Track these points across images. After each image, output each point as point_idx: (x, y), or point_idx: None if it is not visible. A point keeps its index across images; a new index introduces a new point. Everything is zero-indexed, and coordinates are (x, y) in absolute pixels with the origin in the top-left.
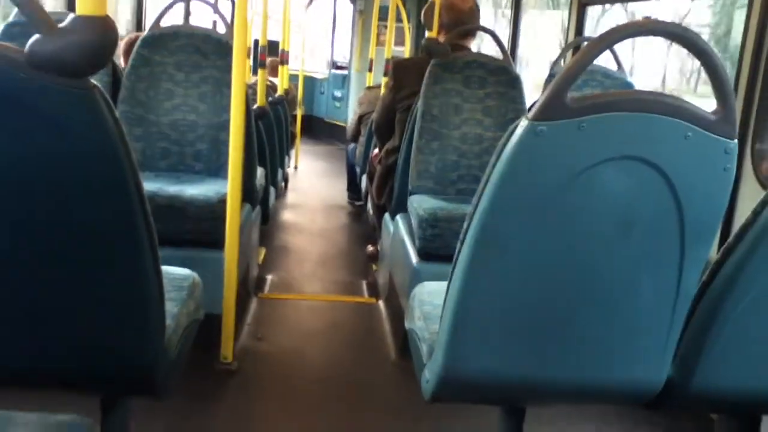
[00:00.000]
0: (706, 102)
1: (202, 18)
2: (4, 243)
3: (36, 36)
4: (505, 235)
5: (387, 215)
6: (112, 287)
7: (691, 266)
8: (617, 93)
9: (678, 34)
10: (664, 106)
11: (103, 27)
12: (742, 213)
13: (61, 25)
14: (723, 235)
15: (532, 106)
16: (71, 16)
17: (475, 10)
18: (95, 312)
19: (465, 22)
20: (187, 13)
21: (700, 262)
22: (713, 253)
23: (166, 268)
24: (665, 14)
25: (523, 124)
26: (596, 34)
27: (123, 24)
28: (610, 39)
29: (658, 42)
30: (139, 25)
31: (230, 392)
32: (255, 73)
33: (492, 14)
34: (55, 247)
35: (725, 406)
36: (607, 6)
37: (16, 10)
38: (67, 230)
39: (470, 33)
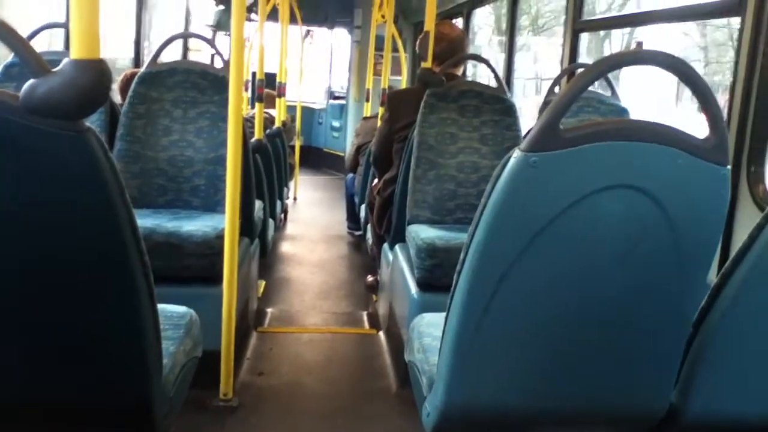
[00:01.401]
0: None
1: (201, 54)
2: None
3: (31, 80)
4: (501, 266)
5: (386, 245)
6: (108, 327)
7: (689, 291)
8: (609, 121)
9: (669, 64)
10: (656, 134)
11: (97, 70)
12: (740, 237)
13: (55, 69)
14: (722, 260)
15: (526, 134)
16: (65, 60)
17: (463, 38)
18: (91, 351)
19: (455, 50)
20: (186, 49)
21: (699, 287)
22: (712, 277)
23: (162, 306)
24: None
25: (516, 155)
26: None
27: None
28: (602, 68)
29: None
30: (137, 61)
31: (231, 429)
32: (253, 106)
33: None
34: (50, 287)
35: (728, 431)
36: None
37: None
38: (62, 270)
39: (461, 61)
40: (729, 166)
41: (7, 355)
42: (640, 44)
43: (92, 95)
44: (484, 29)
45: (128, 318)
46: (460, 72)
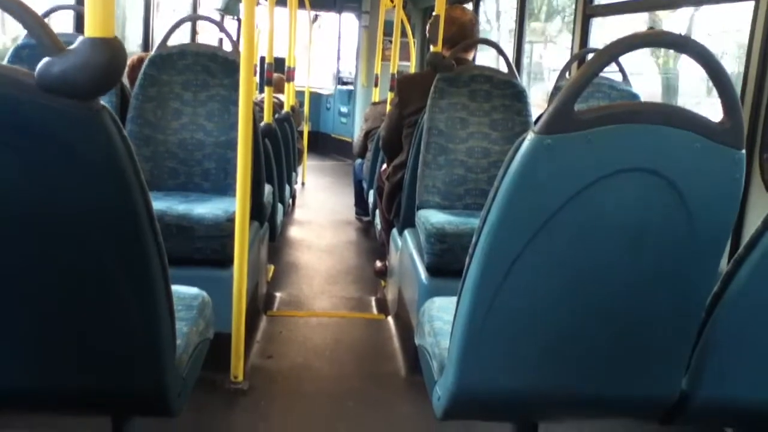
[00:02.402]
0: None
1: (209, 37)
2: (15, 263)
3: (45, 59)
4: (514, 250)
5: (395, 230)
6: (123, 307)
7: (701, 277)
8: (624, 104)
9: (684, 45)
10: (671, 117)
11: (112, 49)
12: (752, 223)
13: (70, 47)
14: (733, 246)
15: (538, 118)
16: (80, 38)
17: (474, 23)
18: (105, 332)
19: (467, 35)
20: (194, 32)
21: (711, 272)
22: (724, 264)
23: (175, 288)
24: None
25: (529, 137)
26: None
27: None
28: (615, 51)
29: None
30: (146, 45)
31: (241, 411)
32: (261, 90)
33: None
34: (64, 266)
35: (739, 419)
36: None
37: (25, 32)
38: (77, 250)
39: (472, 46)
40: (743, 150)
41: (20, 338)
42: (653, 28)
43: (107, 73)
44: (508, 12)
45: (143, 298)
46: (470, 57)
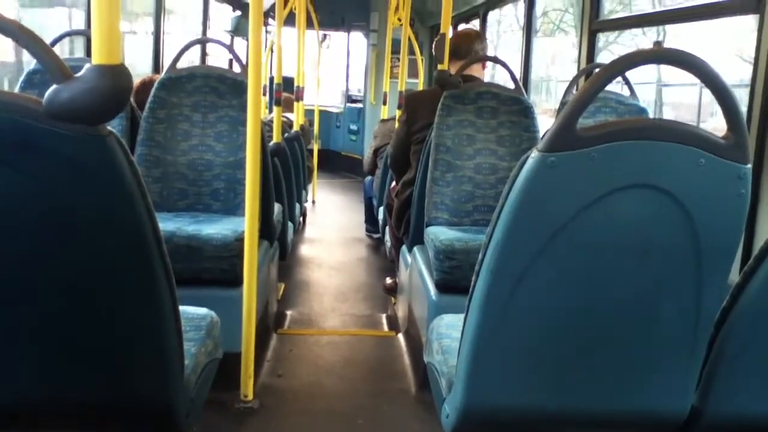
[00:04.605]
0: None
1: (219, 59)
2: (22, 286)
3: (53, 86)
4: (520, 267)
5: (404, 247)
6: (131, 328)
7: (709, 292)
8: (627, 121)
9: (687, 62)
10: (675, 133)
11: (118, 75)
12: (762, 236)
13: (77, 74)
14: (744, 259)
15: (544, 135)
16: (87, 65)
17: (468, 41)
18: (113, 353)
19: (461, 50)
20: (204, 54)
21: (719, 287)
22: (734, 277)
23: (184, 308)
24: None
25: (533, 155)
26: None
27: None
28: (619, 67)
29: None
30: (156, 67)
31: (251, 430)
32: (271, 110)
33: None
34: (72, 289)
35: None
36: None
37: None
38: (85, 273)
39: (479, 62)
40: (749, 165)
41: (29, 357)
42: (658, 43)
43: (113, 100)
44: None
45: (150, 319)
46: (479, 73)
